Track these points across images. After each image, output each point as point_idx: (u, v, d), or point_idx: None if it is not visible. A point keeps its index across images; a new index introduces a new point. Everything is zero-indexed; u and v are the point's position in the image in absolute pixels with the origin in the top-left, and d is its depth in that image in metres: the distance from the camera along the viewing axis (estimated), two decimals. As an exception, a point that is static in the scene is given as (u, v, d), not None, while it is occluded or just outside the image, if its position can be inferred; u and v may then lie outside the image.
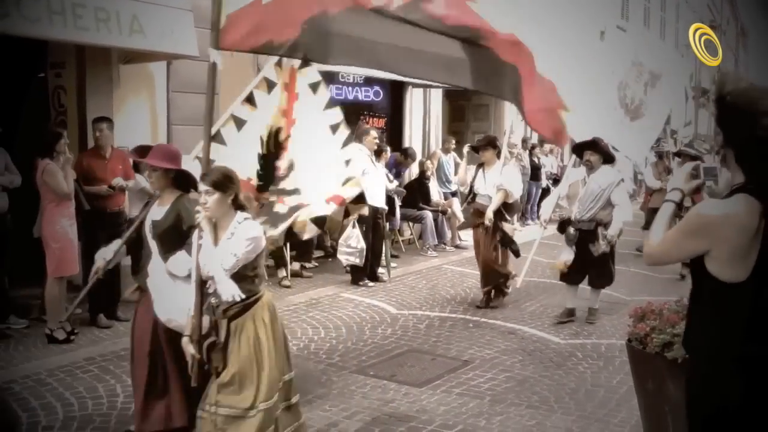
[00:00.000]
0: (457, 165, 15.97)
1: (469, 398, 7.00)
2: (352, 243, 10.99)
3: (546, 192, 20.75)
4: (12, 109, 9.78)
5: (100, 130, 9.03)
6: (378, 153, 12.36)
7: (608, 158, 9.80)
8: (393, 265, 12.92)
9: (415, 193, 15.19)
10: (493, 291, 10.76)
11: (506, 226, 10.50)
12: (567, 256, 9.76)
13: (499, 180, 10.38)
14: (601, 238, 9.46)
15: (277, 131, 6.38)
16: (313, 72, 6.49)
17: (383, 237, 12.24)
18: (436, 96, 17.63)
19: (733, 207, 3.19)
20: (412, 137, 16.81)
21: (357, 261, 11.13)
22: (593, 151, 9.57)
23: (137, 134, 10.33)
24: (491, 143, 10.76)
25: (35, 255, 8.77)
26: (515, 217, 10.78)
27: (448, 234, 15.74)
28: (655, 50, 11.37)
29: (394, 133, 16.58)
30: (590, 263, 9.70)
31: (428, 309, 10.19)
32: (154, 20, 8.82)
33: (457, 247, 15.49)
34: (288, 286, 11.41)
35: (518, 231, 11.31)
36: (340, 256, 11.28)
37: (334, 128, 6.64)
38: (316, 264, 13.23)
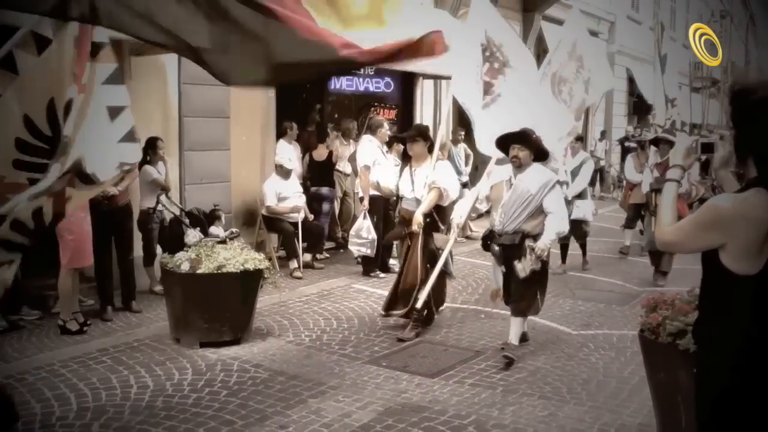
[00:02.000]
0: (468, 156, 15.97)
1: (481, 389, 7.01)
2: (363, 234, 10.97)
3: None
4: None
5: None
6: (389, 144, 12.35)
7: (540, 154, 8.05)
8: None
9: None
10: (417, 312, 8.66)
11: (438, 238, 8.70)
12: (500, 281, 8.19)
13: (432, 176, 8.69)
14: (528, 253, 7.60)
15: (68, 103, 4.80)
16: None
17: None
18: (447, 87, 17.58)
19: (747, 201, 3.18)
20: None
21: (368, 252, 11.13)
22: (522, 145, 7.84)
23: (149, 126, 10.36)
24: (421, 134, 9.08)
25: (47, 246, 8.80)
26: (455, 229, 8.70)
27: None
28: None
29: (404, 125, 16.56)
30: (515, 285, 7.84)
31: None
32: (166, 14, 8.79)
33: (467, 237, 15.46)
34: (300, 278, 11.42)
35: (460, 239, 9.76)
36: (351, 247, 11.28)
37: (114, 112, 5.15)
38: (328, 255, 13.24)
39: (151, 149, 9.85)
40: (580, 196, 12.66)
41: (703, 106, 27.86)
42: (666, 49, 16.77)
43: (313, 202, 12.93)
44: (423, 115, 16.67)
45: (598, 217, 18.01)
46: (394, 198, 9.47)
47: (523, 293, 7.80)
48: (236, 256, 8.05)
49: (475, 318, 9.59)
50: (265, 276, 8.39)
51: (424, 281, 8.53)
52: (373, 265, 11.71)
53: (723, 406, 3.29)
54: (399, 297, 8.88)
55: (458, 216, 8.59)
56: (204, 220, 10.19)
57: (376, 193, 10.81)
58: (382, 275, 11.64)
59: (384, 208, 11.53)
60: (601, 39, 24.03)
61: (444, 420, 6.22)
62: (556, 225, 7.70)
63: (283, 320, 9.24)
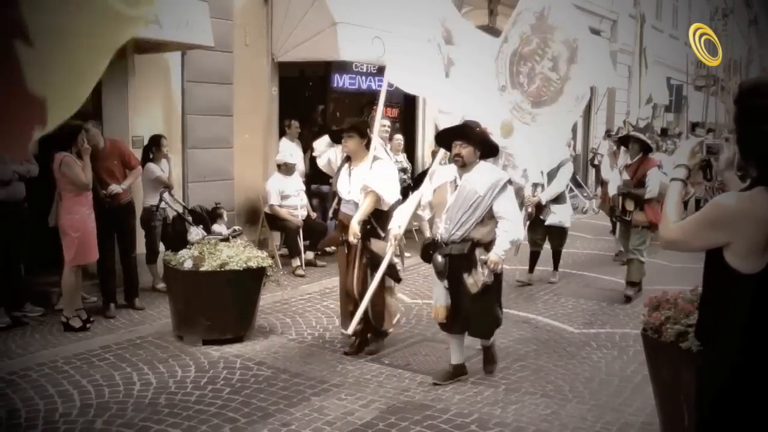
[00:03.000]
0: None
1: (483, 387, 7.03)
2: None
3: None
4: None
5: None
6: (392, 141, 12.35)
7: (488, 150, 7.13)
8: (407, 254, 12.88)
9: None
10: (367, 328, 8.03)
11: (377, 244, 7.67)
12: (443, 298, 7.03)
13: (366, 179, 7.65)
14: (480, 266, 6.67)
15: None
16: None
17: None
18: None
19: (751, 199, 3.18)
20: (425, 127, 16.77)
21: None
22: (464, 141, 6.83)
23: (152, 124, 10.40)
24: (356, 128, 7.93)
25: (50, 243, 8.83)
26: (392, 242, 7.38)
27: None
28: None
29: (407, 123, 16.57)
30: (468, 302, 6.86)
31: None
32: (169, 10, 8.82)
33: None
34: (302, 275, 11.42)
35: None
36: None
37: None
38: (330, 252, 13.23)
39: (155, 147, 9.88)
40: (558, 200, 11.36)
41: (704, 104, 27.78)
42: (647, 43, 15.55)
43: (315, 199, 12.95)
44: (425, 113, 16.65)
45: (600, 215, 18.02)
46: None
47: (481, 310, 6.90)
48: (239, 253, 8.07)
49: (478, 316, 9.55)
50: (268, 274, 8.38)
51: (361, 293, 7.68)
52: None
53: (724, 404, 3.29)
54: (344, 313, 8.10)
55: (396, 226, 7.26)
56: (207, 217, 10.21)
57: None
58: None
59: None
60: (604, 37, 24.01)
61: (446, 418, 6.23)
62: (509, 232, 6.69)
63: (286, 318, 9.25)
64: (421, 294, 10.55)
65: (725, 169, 3.68)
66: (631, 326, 9.15)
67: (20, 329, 8.42)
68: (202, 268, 7.88)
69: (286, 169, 11.77)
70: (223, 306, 7.95)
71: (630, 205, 10.77)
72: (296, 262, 11.63)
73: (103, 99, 10.13)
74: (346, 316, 7.94)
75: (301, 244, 11.80)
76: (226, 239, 8.84)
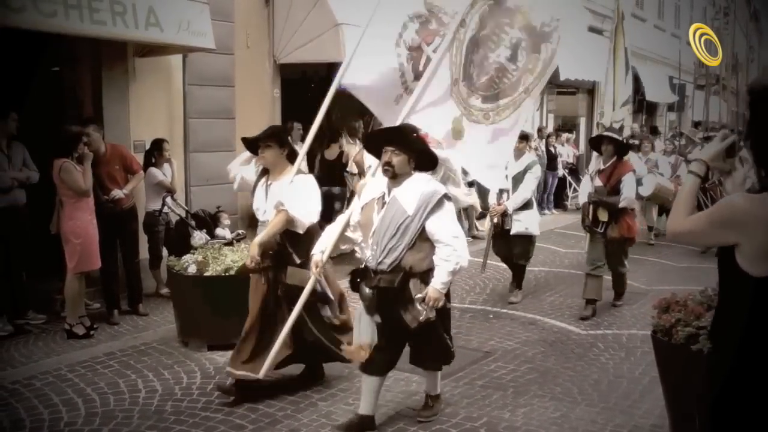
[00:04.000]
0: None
1: (492, 390, 6.96)
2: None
3: (563, 182, 20.65)
4: (26, 103, 9.73)
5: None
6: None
7: (425, 161, 5.86)
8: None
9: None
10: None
11: (294, 274, 6.52)
12: (368, 334, 5.88)
13: (282, 195, 6.51)
14: (418, 302, 5.53)
15: None
16: None
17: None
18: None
19: (762, 203, 3.13)
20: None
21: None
22: (396, 148, 5.61)
23: (154, 128, 10.34)
24: (274, 137, 6.78)
25: (51, 250, 8.79)
26: (313, 269, 6.19)
27: (465, 224, 15.63)
28: None
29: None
30: (409, 337, 5.89)
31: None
32: (170, 13, 8.77)
33: (474, 237, 15.40)
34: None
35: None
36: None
37: None
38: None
39: (157, 151, 9.83)
40: (523, 206, 10.11)
41: (706, 102, 27.76)
42: (640, 43, 13.48)
43: (324, 201, 12.89)
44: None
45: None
46: None
47: (425, 341, 5.88)
48: (243, 258, 7.99)
49: (484, 319, 9.52)
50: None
51: (275, 327, 6.61)
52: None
53: (736, 407, 3.24)
54: (250, 354, 6.65)
55: (319, 251, 6.13)
56: (210, 221, 10.15)
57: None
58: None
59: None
60: (606, 37, 23.93)
61: (455, 422, 6.18)
62: (449, 260, 5.50)
63: (291, 322, 9.16)
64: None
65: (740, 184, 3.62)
66: (637, 327, 9.11)
67: (23, 337, 8.38)
68: (206, 273, 7.82)
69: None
70: (228, 311, 7.88)
71: (603, 215, 9.61)
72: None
73: (103, 103, 10.07)
74: (243, 355, 6.61)
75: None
76: (229, 243, 8.78)
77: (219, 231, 10.09)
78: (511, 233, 10.07)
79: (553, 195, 20.03)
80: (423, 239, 5.58)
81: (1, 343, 8.21)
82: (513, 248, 10.27)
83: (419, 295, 5.51)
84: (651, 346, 7.99)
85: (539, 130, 19.75)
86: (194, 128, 10.86)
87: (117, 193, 8.94)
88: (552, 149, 19.68)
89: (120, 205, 9.01)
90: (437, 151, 6.21)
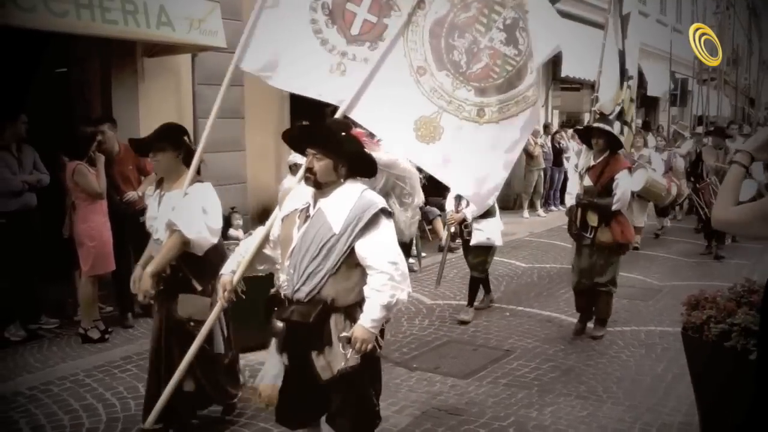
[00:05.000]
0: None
1: (516, 389, 6.89)
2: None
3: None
4: (34, 105, 9.65)
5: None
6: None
7: (363, 166, 4.53)
8: (423, 254, 12.79)
9: (440, 182, 14.99)
10: None
11: (186, 302, 5.56)
12: (271, 375, 4.87)
13: (176, 211, 5.47)
14: (342, 343, 4.23)
15: None
16: None
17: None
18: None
19: None
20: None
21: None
22: (320, 151, 4.41)
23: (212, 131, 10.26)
24: (167, 138, 5.76)
25: (63, 253, 8.70)
26: (220, 294, 5.03)
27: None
28: None
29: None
30: (322, 390, 4.42)
31: (462, 298, 9.89)
32: (181, 12, 8.70)
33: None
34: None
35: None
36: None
37: None
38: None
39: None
40: (485, 213, 8.97)
41: (706, 97, 27.63)
42: (629, 8, 11.29)
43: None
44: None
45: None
46: None
47: (344, 400, 4.41)
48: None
49: (500, 316, 9.45)
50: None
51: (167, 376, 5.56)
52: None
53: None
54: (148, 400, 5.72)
55: (229, 270, 4.99)
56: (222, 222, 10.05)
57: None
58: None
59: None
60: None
61: (483, 422, 6.10)
62: (383, 292, 4.21)
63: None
64: (441, 295, 10.39)
65: None
66: (654, 323, 9.07)
67: (37, 342, 8.28)
68: (221, 274, 7.70)
69: (298, 170, 11.60)
70: (245, 312, 7.78)
71: (592, 219, 8.39)
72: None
73: (113, 104, 9.99)
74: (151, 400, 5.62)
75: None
76: (242, 244, 8.66)
77: (231, 232, 10.00)
78: (471, 243, 9.16)
79: (560, 191, 19.94)
80: (352, 264, 4.32)
81: (16, 348, 8.11)
82: (469, 259, 9.43)
83: (344, 335, 4.22)
84: (670, 343, 8.06)
85: (545, 127, 19.68)
86: (204, 128, 10.75)
87: (132, 195, 8.84)
88: (557, 145, 19.59)
89: (133, 207, 8.90)
90: (379, 155, 5.00)
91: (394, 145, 5.51)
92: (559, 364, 7.61)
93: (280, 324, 4.52)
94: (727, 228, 3.59)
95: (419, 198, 5.71)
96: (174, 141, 5.71)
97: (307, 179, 4.43)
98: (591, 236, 8.39)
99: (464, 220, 9.01)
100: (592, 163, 8.50)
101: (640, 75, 27.49)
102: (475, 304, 9.54)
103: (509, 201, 19.77)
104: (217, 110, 5.81)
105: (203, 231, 5.49)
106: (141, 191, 8.95)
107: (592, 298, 8.67)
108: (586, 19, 19.71)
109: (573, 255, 8.96)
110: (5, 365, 7.61)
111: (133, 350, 7.98)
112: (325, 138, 4.47)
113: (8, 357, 7.86)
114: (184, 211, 5.43)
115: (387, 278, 4.20)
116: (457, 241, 10.16)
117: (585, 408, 6.46)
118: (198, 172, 5.75)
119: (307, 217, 4.45)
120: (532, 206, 19.11)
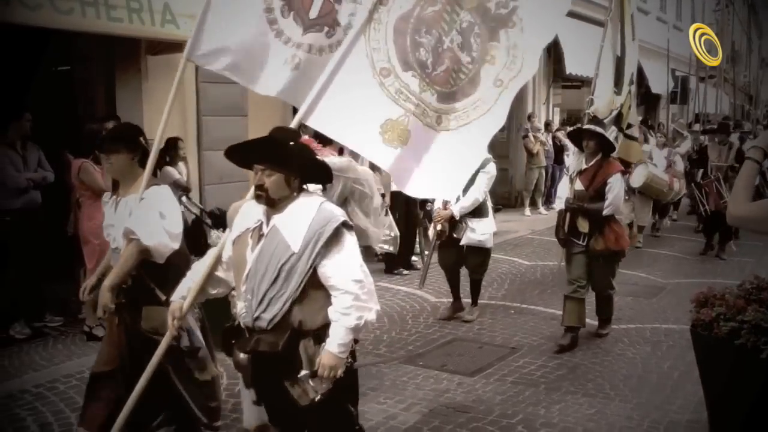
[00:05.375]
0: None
1: (523, 386, 6.89)
2: (385, 230, 10.76)
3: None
4: (38, 103, 9.64)
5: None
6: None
7: (317, 173, 4.24)
8: (426, 252, 12.77)
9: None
10: None
11: (151, 315, 5.02)
12: (253, 415, 5.13)
13: (132, 218, 4.98)
14: (304, 379, 3.90)
15: None
16: None
17: (416, 224, 12.07)
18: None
19: None
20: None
21: (391, 249, 10.92)
22: (270, 165, 3.98)
23: (167, 126, 10.22)
24: (121, 138, 5.30)
25: (66, 251, 8.68)
26: (171, 325, 4.48)
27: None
28: None
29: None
30: (304, 416, 4.09)
31: (466, 296, 9.88)
32: (185, 10, 8.65)
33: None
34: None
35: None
36: (373, 245, 11.04)
37: None
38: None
39: (172, 150, 9.71)
40: (477, 212, 8.77)
41: (704, 95, 27.63)
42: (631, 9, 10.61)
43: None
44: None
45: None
46: None
47: (320, 419, 4.11)
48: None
49: (505, 314, 9.46)
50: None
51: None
52: (396, 262, 11.54)
53: None
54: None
55: (179, 296, 4.48)
56: (226, 220, 10.05)
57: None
58: (405, 272, 11.51)
59: (406, 203, 11.39)
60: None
61: (491, 420, 6.10)
62: (349, 314, 3.87)
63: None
64: (446, 292, 10.31)
65: None
66: (659, 321, 9.07)
67: (42, 340, 8.27)
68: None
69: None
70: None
71: (583, 226, 8.04)
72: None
73: (117, 102, 9.97)
74: (98, 419, 5.17)
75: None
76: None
77: (234, 231, 9.97)
78: (463, 243, 8.78)
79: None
80: (316, 285, 3.96)
81: (21, 346, 8.11)
82: (466, 261, 9.06)
83: (304, 373, 3.87)
84: (675, 340, 8.07)
85: (546, 125, 19.70)
86: (207, 126, 10.77)
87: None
88: (558, 142, 19.58)
89: (138, 205, 8.89)
90: (332, 160, 4.66)
91: (360, 149, 5.21)
92: (565, 361, 7.61)
93: (241, 356, 4.11)
94: (742, 223, 3.58)
95: (377, 200, 5.19)
96: (129, 142, 5.24)
97: (258, 197, 4.01)
98: (584, 243, 8.06)
99: (452, 217, 8.70)
100: (584, 166, 8.18)
101: (641, 73, 27.57)
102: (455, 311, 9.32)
103: (510, 199, 19.81)
104: (170, 108, 5.49)
105: (162, 237, 4.99)
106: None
107: (582, 307, 8.28)
108: (589, 17, 19.68)
109: (561, 260, 8.83)
110: (11, 363, 7.62)
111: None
112: (273, 151, 4.04)
113: (14, 355, 7.85)
114: (141, 217, 4.99)
115: (352, 298, 3.87)
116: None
117: (593, 406, 6.45)
118: (154, 174, 5.39)
119: (261, 236, 4.07)
120: (533, 204, 19.13)
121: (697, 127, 19.78)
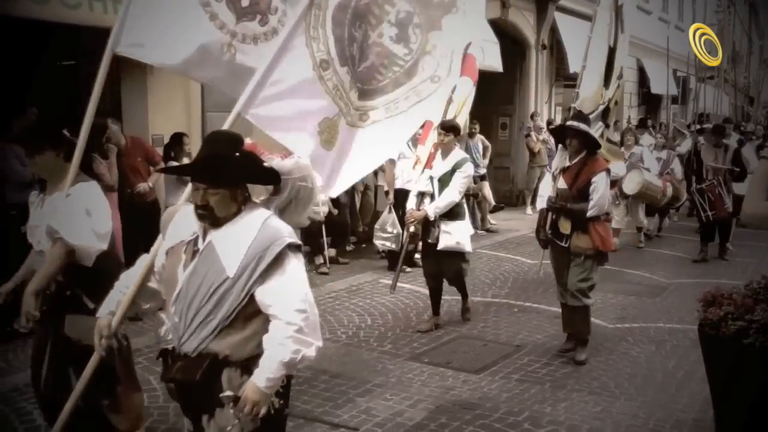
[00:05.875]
0: (486, 148, 15.80)
1: (529, 384, 6.90)
2: (388, 228, 10.76)
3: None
4: (43, 98, 9.63)
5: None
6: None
7: (267, 178, 3.66)
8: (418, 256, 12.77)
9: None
10: None
11: (75, 323, 4.63)
12: None
13: (56, 216, 4.63)
14: (226, 402, 3.35)
15: None
16: None
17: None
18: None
19: None
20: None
21: (394, 246, 10.95)
22: (211, 185, 3.44)
23: (172, 122, 10.23)
24: (46, 133, 4.98)
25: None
26: (98, 343, 3.94)
27: (478, 215, 15.52)
28: None
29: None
30: None
31: (469, 294, 9.93)
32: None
33: (487, 230, 15.36)
34: (326, 273, 11.22)
35: None
36: (376, 242, 11.05)
37: None
38: (352, 247, 13.13)
39: (177, 145, 9.71)
40: (452, 214, 8.32)
41: (703, 95, 27.64)
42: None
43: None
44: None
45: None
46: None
47: None
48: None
49: (509, 312, 9.46)
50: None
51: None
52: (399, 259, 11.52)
53: None
54: None
55: (107, 310, 4.00)
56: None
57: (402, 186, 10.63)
58: (408, 270, 11.48)
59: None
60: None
61: (498, 417, 6.10)
62: (285, 345, 3.35)
63: (316, 317, 9.06)
64: (448, 290, 10.32)
65: None
66: (663, 320, 9.07)
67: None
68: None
69: (301, 163, 11.57)
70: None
71: (565, 227, 7.51)
72: (320, 259, 11.43)
73: (122, 98, 9.99)
74: None
75: (324, 241, 11.60)
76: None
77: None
78: (438, 248, 8.29)
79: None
80: (251, 313, 3.46)
81: (25, 340, 8.06)
82: (443, 267, 8.51)
83: (227, 393, 3.36)
84: (680, 339, 8.09)
85: (548, 123, 19.69)
86: (212, 122, 10.75)
87: (143, 186, 8.84)
88: (559, 142, 19.57)
89: (144, 199, 8.89)
90: (280, 163, 3.71)
91: (301, 152, 4.35)
92: (569, 360, 7.60)
93: (168, 384, 3.68)
94: (757, 222, 3.58)
95: (321, 196, 4.24)
96: (52, 139, 4.87)
97: (201, 217, 3.49)
98: (566, 245, 7.50)
99: (427, 218, 8.20)
100: (567, 164, 7.62)
101: (642, 72, 27.57)
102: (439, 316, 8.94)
103: (512, 198, 19.82)
104: (94, 108, 5.17)
105: (88, 236, 4.62)
106: (152, 182, 8.96)
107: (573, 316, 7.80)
108: (590, 16, 19.72)
109: (540, 265, 8.54)
110: (16, 357, 7.64)
111: (142, 343, 7.94)
112: (216, 169, 3.48)
113: (18, 348, 7.84)
114: (66, 215, 4.59)
115: (293, 330, 3.34)
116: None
117: (598, 404, 6.46)
118: (82, 169, 4.93)
119: (195, 251, 3.56)
120: (535, 203, 19.09)
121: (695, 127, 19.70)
